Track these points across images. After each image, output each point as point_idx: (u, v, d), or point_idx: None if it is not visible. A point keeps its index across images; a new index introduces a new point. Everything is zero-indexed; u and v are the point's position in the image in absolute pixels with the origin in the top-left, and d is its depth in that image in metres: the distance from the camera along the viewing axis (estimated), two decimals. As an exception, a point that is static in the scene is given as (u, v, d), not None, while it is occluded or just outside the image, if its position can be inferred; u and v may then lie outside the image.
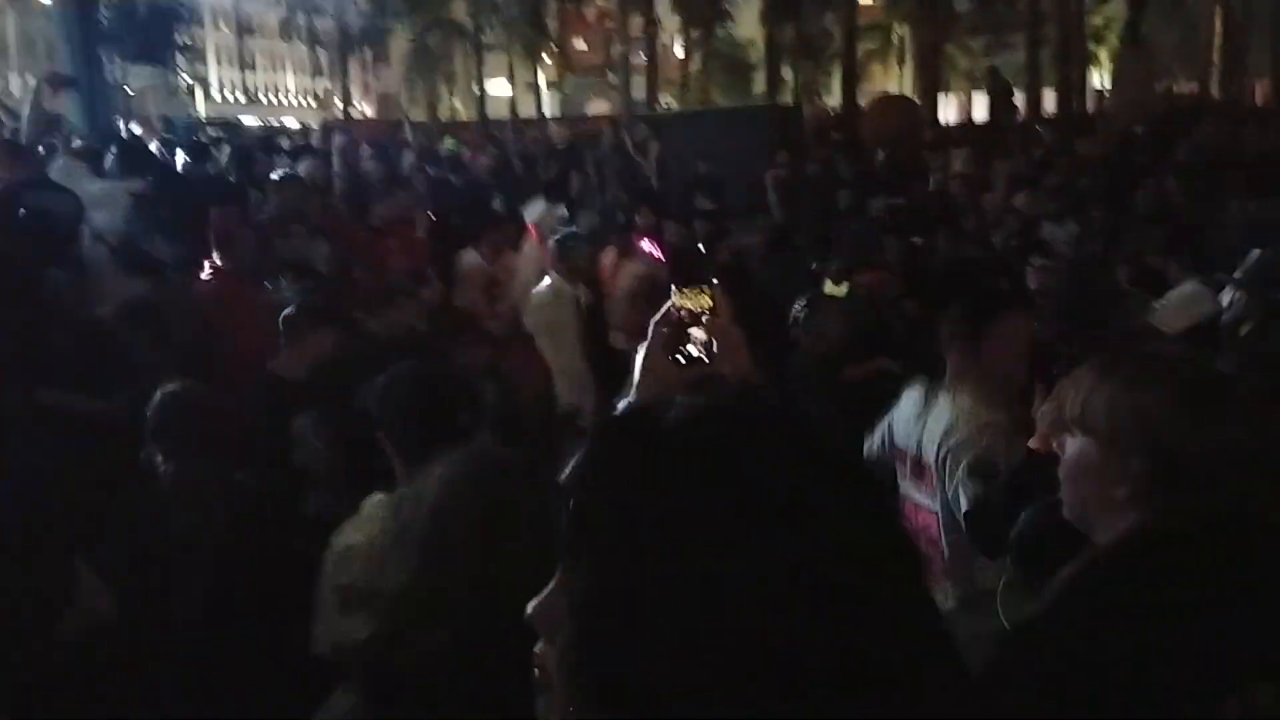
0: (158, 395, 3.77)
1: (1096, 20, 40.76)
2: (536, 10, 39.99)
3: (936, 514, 3.49)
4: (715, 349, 1.90)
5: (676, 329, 1.93)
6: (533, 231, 8.09)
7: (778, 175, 12.90)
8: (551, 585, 0.90)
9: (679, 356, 1.92)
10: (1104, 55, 39.65)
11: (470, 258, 7.80)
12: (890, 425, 3.83)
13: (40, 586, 1.99)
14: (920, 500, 3.59)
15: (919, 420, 3.64)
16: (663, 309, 1.93)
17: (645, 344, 1.92)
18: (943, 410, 3.54)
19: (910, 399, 3.75)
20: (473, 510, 1.60)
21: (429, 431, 2.69)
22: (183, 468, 3.68)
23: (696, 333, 1.93)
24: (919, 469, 3.60)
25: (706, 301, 1.93)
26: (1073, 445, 1.87)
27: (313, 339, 4.65)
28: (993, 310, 3.61)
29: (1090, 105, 32.40)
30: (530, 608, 0.91)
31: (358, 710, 1.54)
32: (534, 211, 8.42)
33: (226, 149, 11.85)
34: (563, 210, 9.35)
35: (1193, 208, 9.59)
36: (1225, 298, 4.65)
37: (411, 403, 2.94)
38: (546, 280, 7.05)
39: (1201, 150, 13.54)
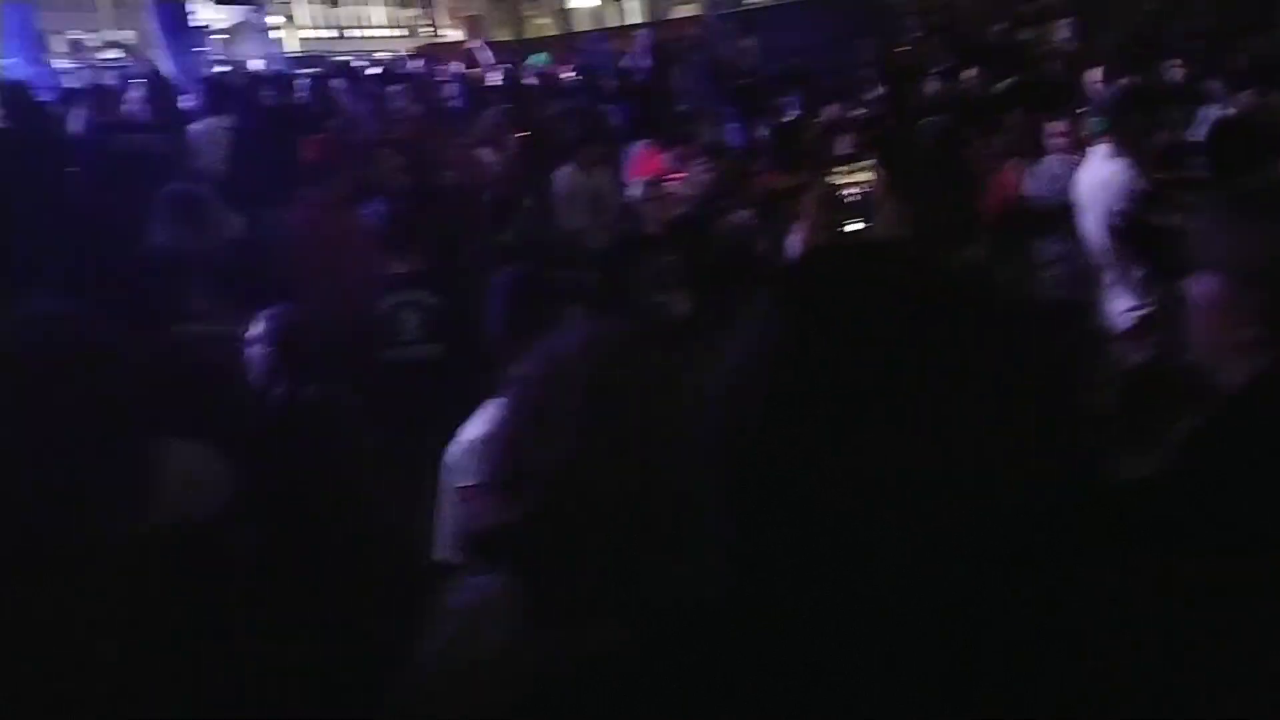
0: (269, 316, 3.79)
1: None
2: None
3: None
4: (876, 218, 2.02)
5: (838, 206, 2.06)
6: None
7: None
8: None
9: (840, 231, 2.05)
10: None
11: (568, 173, 7.51)
12: None
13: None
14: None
15: None
16: (818, 190, 2.06)
17: (803, 226, 2.06)
18: None
19: None
20: (618, 381, 1.48)
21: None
22: (301, 387, 3.70)
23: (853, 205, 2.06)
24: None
25: (868, 175, 2.06)
26: (1200, 284, 1.69)
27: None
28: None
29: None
30: None
31: (508, 586, 1.46)
32: None
33: (316, 81, 11.77)
34: None
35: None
36: None
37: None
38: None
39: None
